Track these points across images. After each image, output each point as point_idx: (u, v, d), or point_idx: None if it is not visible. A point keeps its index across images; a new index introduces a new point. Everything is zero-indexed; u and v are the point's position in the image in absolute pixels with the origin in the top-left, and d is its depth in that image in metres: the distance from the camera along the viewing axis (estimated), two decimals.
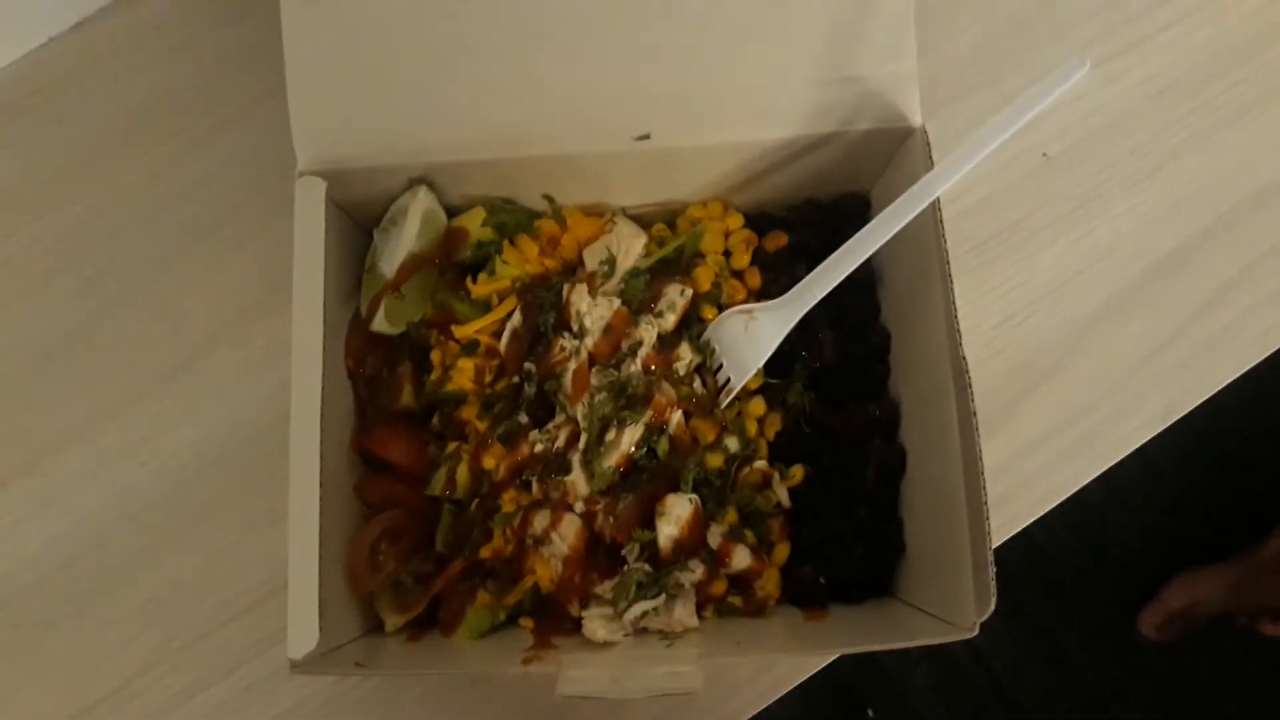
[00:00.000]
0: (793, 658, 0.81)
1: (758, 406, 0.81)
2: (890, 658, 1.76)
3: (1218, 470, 1.83)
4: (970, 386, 0.68)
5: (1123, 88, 0.98)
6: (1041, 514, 0.88)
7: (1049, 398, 0.90)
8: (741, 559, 0.76)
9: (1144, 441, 0.89)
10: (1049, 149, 0.96)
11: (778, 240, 0.84)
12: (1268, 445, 1.81)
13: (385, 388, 0.81)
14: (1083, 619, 1.80)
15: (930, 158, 0.74)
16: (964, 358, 0.69)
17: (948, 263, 0.71)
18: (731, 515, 0.78)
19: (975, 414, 0.67)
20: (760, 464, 0.80)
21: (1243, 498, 1.79)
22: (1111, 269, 0.94)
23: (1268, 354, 0.92)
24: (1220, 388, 0.91)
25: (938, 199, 0.72)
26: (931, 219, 0.73)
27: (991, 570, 0.65)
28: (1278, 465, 1.79)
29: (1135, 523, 1.83)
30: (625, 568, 0.76)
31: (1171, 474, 1.82)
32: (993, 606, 0.65)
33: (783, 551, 0.79)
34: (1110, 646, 1.79)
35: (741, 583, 0.78)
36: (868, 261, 0.76)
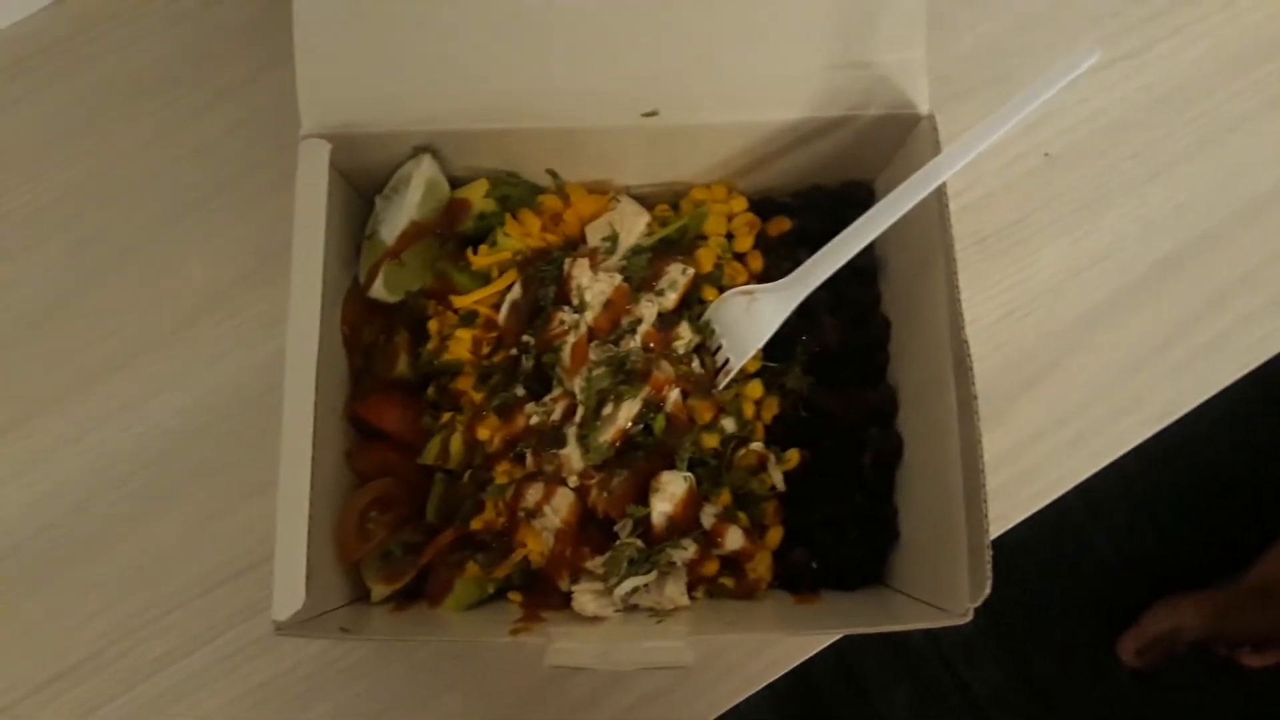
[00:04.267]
0: (783, 636, 0.80)
1: (755, 389, 0.80)
2: (869, 677, 1.74)
3: (1202, 495, 1.82)
4: (972, 369, 0.68)
5: (1124, 93, 0.98)
6: (1035, 510, 0.88)
7: (1046, 394, 0.90)
8: (734, 540, 0.75)
9: (1140, 441, 0.89)
10: (1051, 149, 0.96)
11: (781, 225, 0.84)
12: (1251, 471, 1.81)
13: (381, 355, 0.80)
14: (1063, 643, 1.79)
15: (938, 143, 0.74)
16: (966, 341, 0.69)
17: (951, 245, 0.71)
18: (725, 496, 0.77)
19: (976, 397, 0.67)
20: (756, 446, 0.79)
21: (1226, 524, 1.79)
22: (1111, 270, 0.93)
23: (1265, 359, 0.92)
24: (1216, 391, 0.91)
25: (944, 184, 0.72)
26: (936, 204, 0.72)
27: (988, 554, 0.65)
28: (1262, 491, 1.79)
29: (1118, 547, 1.82)
30: (617, 543, 0.75)
31: (1155, 498, 1.82)
32: (988, 590, 0.64)
33: (775, 535, 0.79)
34: (1089, 671, 1.78)
35: (733, 564, 0.77)
36: (870, 250, 0.76)
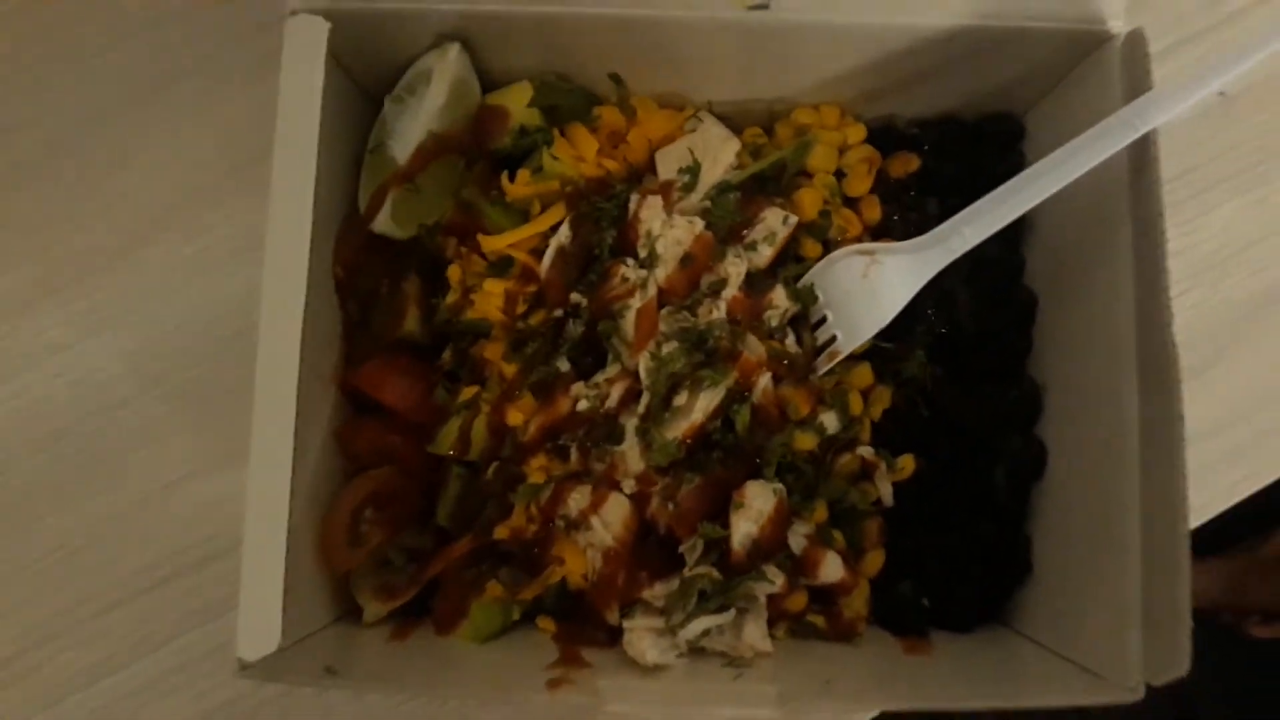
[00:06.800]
0: (895, 707, 0.66)
1: (864, 376, 0.66)
2: None
3: None
4: (1179, 381, 0.52)
5: None
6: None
7: (1200, 395, 0.77)
8: (832, 570, 0.62)
9: None
10: (1228, 86, 0.78)
11: (907, 164, 0.69)
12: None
13: (384, 308, 0.67)
14: None
15: (1148, 71, 0.57)
16: (1173, 343, 0.53)
17: (1161, 214, 0.55)
18: (821, 511, 0.63)
19: (1182, 416, 0.52)
20: (863, 450, 0.65)
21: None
22: None
23: None
24: None
25: (1154, 131, 0.56)
26: (1138, 155, 0.57)
27: (1187, 626, 0.53)
28: None
29: None
30: (685, 571, 0.61)
31: None
32: (1185, 669, 0.52)
33: (876, 560, 0.66)
34: None
35: (825, 597, 0.64)
36: None
